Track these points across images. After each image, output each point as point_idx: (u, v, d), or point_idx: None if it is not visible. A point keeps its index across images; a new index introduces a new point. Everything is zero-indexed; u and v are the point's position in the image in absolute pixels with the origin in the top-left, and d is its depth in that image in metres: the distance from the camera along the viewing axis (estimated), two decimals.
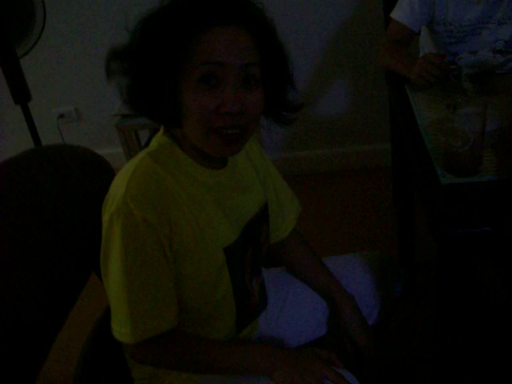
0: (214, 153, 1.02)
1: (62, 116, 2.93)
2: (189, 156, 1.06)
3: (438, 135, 1.37)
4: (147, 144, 2.38)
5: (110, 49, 1.00)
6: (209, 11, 0.95)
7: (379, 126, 2.73)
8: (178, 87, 0.97)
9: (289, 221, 1.34)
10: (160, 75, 0.96)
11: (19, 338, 1.04)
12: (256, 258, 1.20)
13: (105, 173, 1.27)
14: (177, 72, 0.96)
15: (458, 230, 1.11)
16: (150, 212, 0.96)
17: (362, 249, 1.46)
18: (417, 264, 2.11)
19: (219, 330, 1.17)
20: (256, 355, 1.03)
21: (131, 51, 0.99)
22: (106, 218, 1.00)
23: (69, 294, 1.19)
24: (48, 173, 1.18)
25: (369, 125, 2.85)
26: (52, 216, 1.14)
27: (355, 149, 2.93)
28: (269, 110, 1.07)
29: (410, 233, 2.09)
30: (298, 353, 1.05)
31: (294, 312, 1.32)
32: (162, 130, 1.09)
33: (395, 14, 1.93)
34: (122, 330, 1.01)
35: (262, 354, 1.03)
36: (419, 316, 1.88)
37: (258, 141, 1.28)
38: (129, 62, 0.99)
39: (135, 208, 0.95)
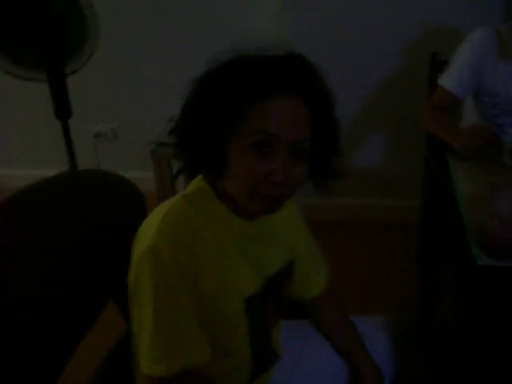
0: (254, 211, 1.04)
1: (98, 135, 2.97)
2: (223, 204, 1.07)
3: (476, 211, 1.36)
4: (178, 173, 2.38)
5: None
6: (272, 80, 0.96)
7: (410, 183, 2.72)
8: (228, 144, 0.98)
9: (322, 280, 1.34)
10: (212, 132, 0.98)
11: (36, 355, 1.05)
12: (277, 311, 1.21)
13: (134, 199, 1.29)
14: (229, 131, 0.97)
15: (489, 314, 1.10)
16: (178, 254, 0.98)
17: (381, 304, 1.45)
18: (437, 324, 2.06)
19: (234, 375, 1.16)
20: None
21: (189, 103, 1.02)
22: (136, 254, 1.02)
23: (86, 318, 1.20)
24: (78, 197, 1.20)
25: (399, 180, 2.84)
26: (78, 238, 1.16)
27: (382, 202, 2.93)
28: (311, 177, 1.08)
29: (433, 293, 2.07)
30: None
31: (309, 366, 1.30)
32: (201, 175, 1.10)
33: (443, 81, 1.94)
34: (155, 367, 1.01)
35: None
36: (435, 376, 1.86)
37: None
38: (185, 112, 1.02)
39: (165, 248, 0.98)
